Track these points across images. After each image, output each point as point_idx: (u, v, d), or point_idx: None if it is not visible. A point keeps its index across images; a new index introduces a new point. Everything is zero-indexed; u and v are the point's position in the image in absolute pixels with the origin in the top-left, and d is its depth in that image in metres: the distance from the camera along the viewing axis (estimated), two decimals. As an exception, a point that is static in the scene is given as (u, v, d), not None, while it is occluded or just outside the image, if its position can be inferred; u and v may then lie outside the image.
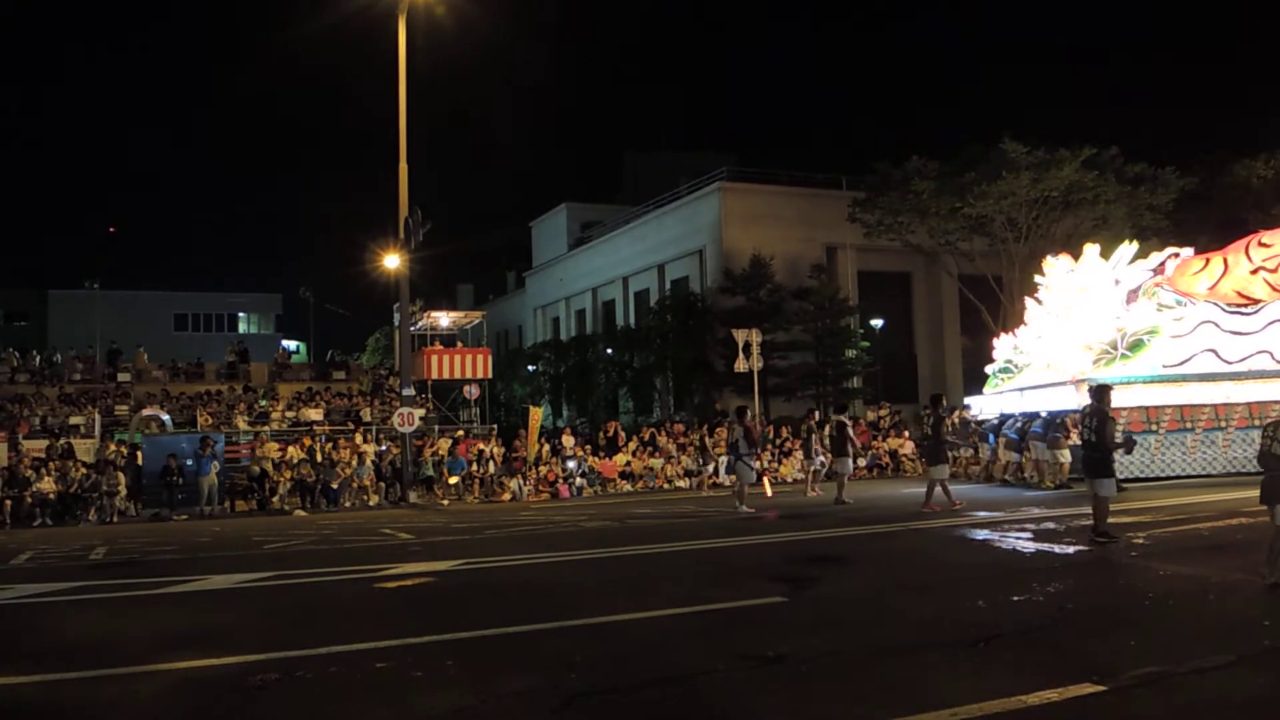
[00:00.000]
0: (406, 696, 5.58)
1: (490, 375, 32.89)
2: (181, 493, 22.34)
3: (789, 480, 26.82)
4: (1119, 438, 11.63)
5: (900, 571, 9.69)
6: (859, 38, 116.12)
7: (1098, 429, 11.17)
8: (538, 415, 28.57)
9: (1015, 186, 34.05)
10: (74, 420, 27.32)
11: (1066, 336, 21.06)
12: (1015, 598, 7.79)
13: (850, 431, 18.93)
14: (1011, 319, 38.03)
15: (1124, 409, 19.29)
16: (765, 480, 21.30)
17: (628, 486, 25.65)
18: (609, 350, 45.07)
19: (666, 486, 25.80)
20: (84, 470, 22.47)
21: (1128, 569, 9.10)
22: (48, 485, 21.79)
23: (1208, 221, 36.32)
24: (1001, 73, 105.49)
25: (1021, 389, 22.08)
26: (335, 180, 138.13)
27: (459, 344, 33.48)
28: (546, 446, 26.86)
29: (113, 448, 24.28)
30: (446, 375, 31.02)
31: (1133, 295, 20.40)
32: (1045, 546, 10.78)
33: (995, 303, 38.59)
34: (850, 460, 18.78)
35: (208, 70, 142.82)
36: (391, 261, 27.71)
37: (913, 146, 55.07)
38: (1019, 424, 20.71)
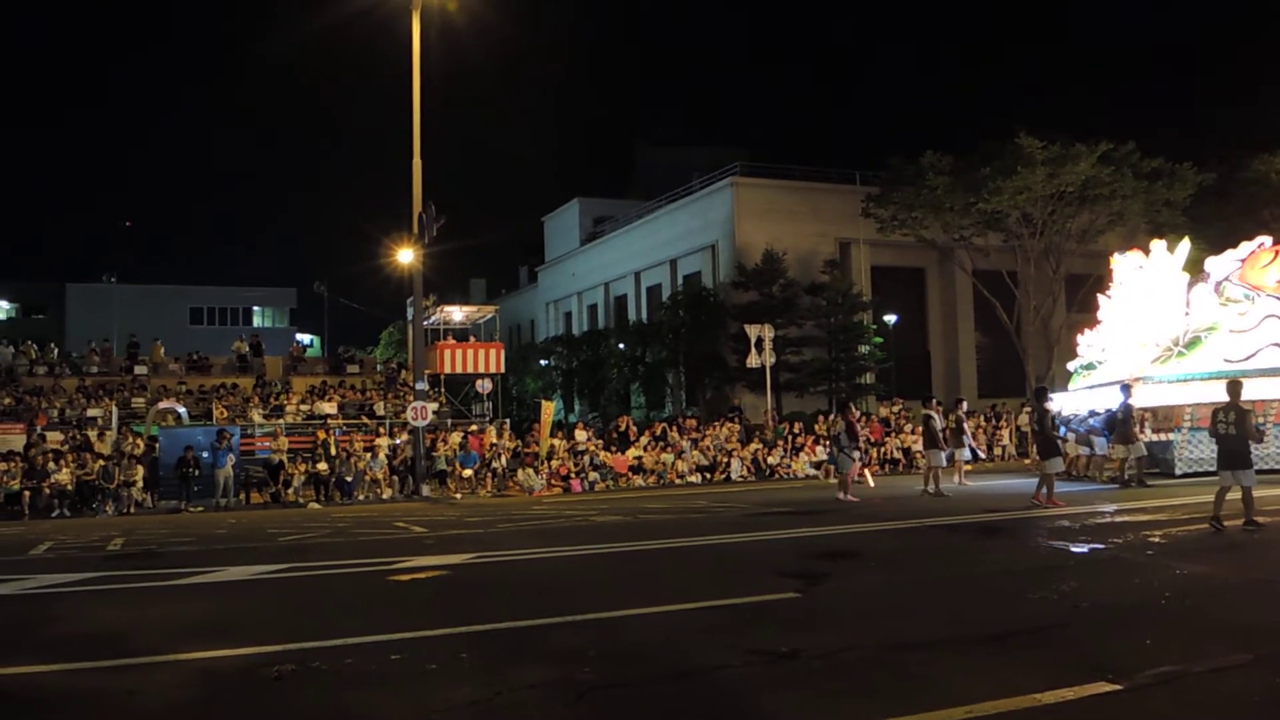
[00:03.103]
0: (422, 688, 5.60)
1: (503, 370, 32.97)
2: (197, 485, 22.46)
3: (801, 475, 26.86)
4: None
5: (915, 568, 9.67)
6: (871, 32, 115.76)
7: (1237, 422, 11.32)
8: (550, 409, 28.63)
9: (1030, 181, 33.96)
10: (91, 412, 27.51)
11: (1131, 333, 21.00)
12: (1031, 595, 7.76)
13: (936, 423, 18.90)
14: (1026, 315, 37.96)
15: (1186, 406, 19.20)
16: (868, 471, 21.17)
17: (639, 481, 25.67)
18: (621, 345, 45.11)
19: (678, 481, 25.81)
20: (101, 462, 22.62)
21: (1144, 568, 9.05)
22: (65, 477, 21.94)
23: (1225, 217, 36.11)
24: (1017, 68, 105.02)
25: (1093, 386, 22.00)
26: (350, 175, 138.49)
27: (471, 338, 33.60)
28: (560, 441, 26.90)
29: (130, 440, 24.43)
30: (459, 369, 31.13)
31: (1219, 288, 20.24)
32: (1061, 544, 10.75)
33: (1010, 298, 38.50)
34: (941, 452, 18.75)
35: (224, 64, 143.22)
36: (405, 256, 27.78)
37: (927, 141, 54.90)
38: (1090, 419, 20.58)
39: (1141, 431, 18.93)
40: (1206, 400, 18.65)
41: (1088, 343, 23.25)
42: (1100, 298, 23.23)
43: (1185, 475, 19.05)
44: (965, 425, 21.53)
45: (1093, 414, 20.33)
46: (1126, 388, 18.72)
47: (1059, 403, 22.48)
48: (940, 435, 18.80)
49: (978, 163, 34.83)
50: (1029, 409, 31.12)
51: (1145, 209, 36.13)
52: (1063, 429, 20.98)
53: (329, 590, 9.60)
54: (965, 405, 22.70)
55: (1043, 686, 5.13)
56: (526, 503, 21.64)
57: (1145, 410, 19.64)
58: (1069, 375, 24.48)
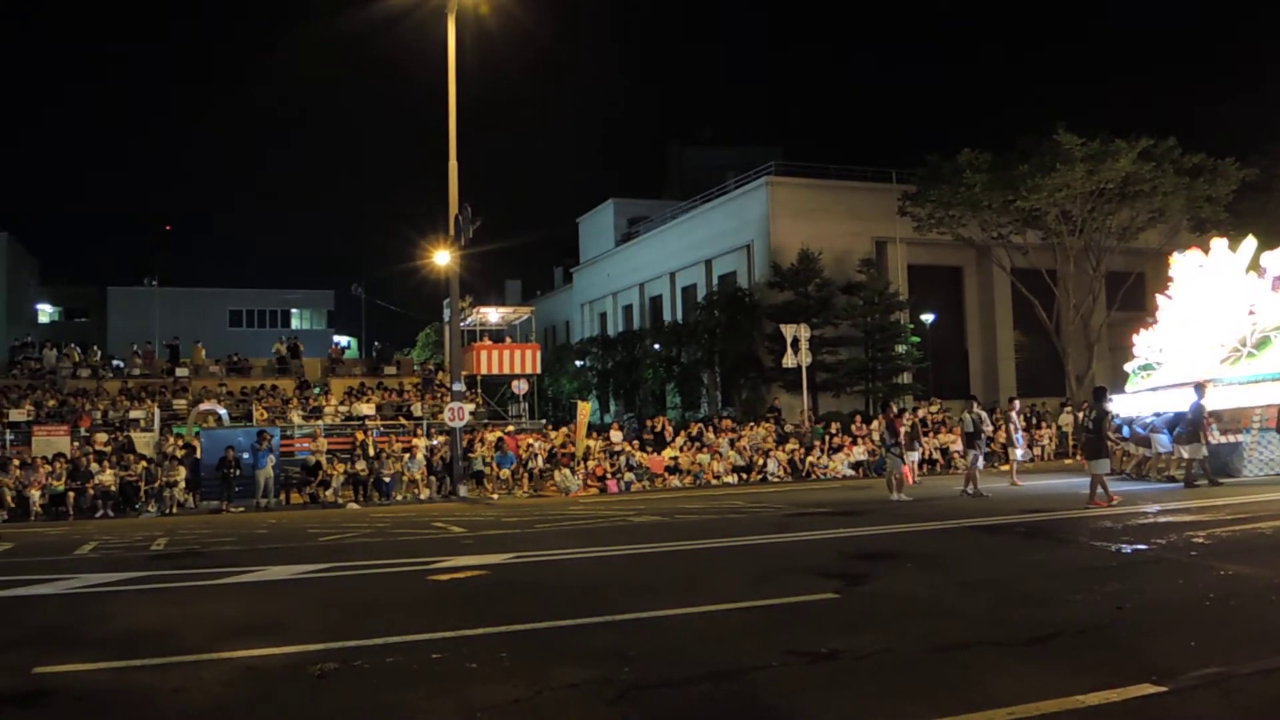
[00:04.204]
0: (463, 687, 5.64)
1: (538, 371, 33.06)
2: (238, 485, 22.75)
3: (839, 475, 26.74)
4: None
5: (955, 569, 9.60)
6: (906, 29, 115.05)
7: None
8: (586, 410, 28.70)
9: (1070, 179, 33.56)
10: (134, 414, 27.89)
11: (1195, 334, 20.69)
12: (1073, 596, 7.69)
13: (969, 424, 18.80)
14: (1066, 314, 37.53)
15: (1255, 407, 18.92)
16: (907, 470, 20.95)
17: (675, 482, 25.66)
18: (656, 345, 45.09)
19: (714, 482, 25.77)
20: (144, 463, 22.95)
21: (1187, 568, 8.94)
22: (108, 478, 22.27)
23: (1269, 213, 35.53)
24: (1055, 65, 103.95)
25: (1155, 388, 21.53)
26: (387, 177, 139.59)
27: (507, 339, 33.73)
28: (596, 441, 26.95)
29: (171, 441, 24.76)
30: (495, 370, 31.28)
31: (1276, 283, 19.84)
32: (1104, 545, 10.64)
33: (1049, 297, 38.10)
34: (979, 454, 18.65)
35: (262, 68, 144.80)
36: (442, 258, 27.96)
37: (964, 139, 54.44)
38: (1154, 420, 20.20)
39: (1209, 434, 18.65)
40: (1278, 401, 18.44)
41: (1145, 343, 22.76)
42: (1159, 297, 22.73)
43: (1256, 477, 18.74)
44: (1015, 424, 21.26)
45: (1158, 415, 20.03)
46: (1200, 388, 18.42)
47: (1117, 405, 22.11)
48: (978, 436, 18.64)
49: (1016, 160, 34.48)
50: (1073, 409, 30.83)
51: (1187, 205, 35.62)
52: (1125, 429, 20.68)
53: (370, 590, 9.68)
54: (1018, 405, 22.31)
55: (1086, 688, 5.09)
56: (563, 503, 21.70)
57: (1210, 413, 19.34)
58: (1110, 373, 24.11)
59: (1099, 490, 14.87)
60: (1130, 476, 19.91)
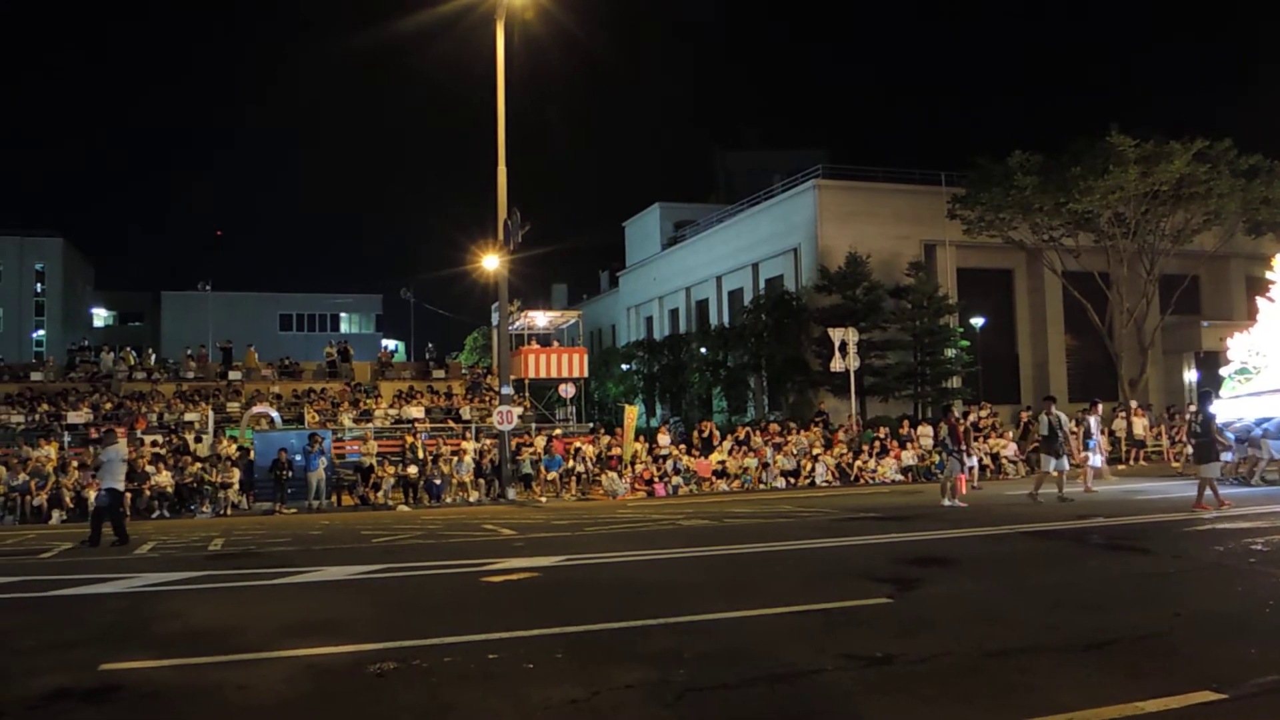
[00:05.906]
0: (520, 687, 5.72)
1: (586, 374, 33.17)
2: (291, 487, 23.08)
3: (888, 480, 26.58)
4: None
5: (1010, 574, 9.54)
6: (954, 29, 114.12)
7: None
8: (633, 414, 28.75)
9: (1123, 181, 33.03)
10: (189, 416, 28.40)
11: None
12: (1130, 602, 7.63)
13: (1043, 428, 18.59)
14: (1119, 318, 36.98)
15: None
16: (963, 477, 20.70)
17: (723, 485, 25.64)
18: (703, 349, 45.06)
19: (762, 486, 25.72)
20: (199, 465, 23.35)
21: (1246, 575, 8.82)
22: (164, 479, 22.68)
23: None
24: (1106, 65, 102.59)
25: (1258, 393, 20.92)
26: (436, 183, 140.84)
27: (555, 343, 33.89)
28: (642, 445, 27.01)
29: (225, 443, 25.17)
30: (543, 374, 31.44)
31: None
32: (1161, 550, 10.51)
33: (1101, 300, 37.55)
34: (1053, 459, 18.17)
35: (311, 76, 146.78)
36: (490, 262, 28.16)
37: (1013, 141, 53.84)
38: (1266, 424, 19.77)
39: None
40: None
41: (1242, 346, 22.14)
42: (1259, 300, 22.12)
43: None
44: (1094, 430, 20.83)
45: (1260, 421, 19.58)
46: None
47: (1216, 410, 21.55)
48: (1055, 439, 18.29)
49: (1067, 162, 33.99)
50: (1127, 414, 30.34)
51: (1243, 207, 34.95)
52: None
53: (424, 590, 9.81)
54: (1100, 408, 21.72)
55: (1146, 694, 5.06)
56: (611, 506, 21.78)
57: None
58: (1164, 377, 23.61)
59: (1207, 494, 14.51)
60: (1239, 481, 19.54)
